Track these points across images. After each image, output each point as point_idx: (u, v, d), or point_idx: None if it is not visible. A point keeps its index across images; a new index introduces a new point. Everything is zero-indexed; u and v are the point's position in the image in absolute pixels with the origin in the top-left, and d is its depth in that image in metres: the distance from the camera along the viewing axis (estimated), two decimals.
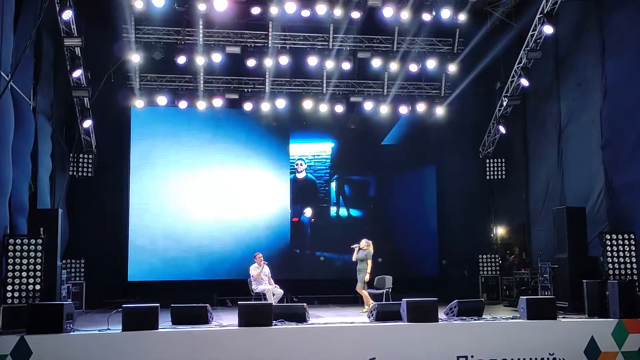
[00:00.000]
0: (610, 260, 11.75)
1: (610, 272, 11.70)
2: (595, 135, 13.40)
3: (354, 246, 13.68)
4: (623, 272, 11.72)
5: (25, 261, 10.03)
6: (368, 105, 17.64)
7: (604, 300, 11.04)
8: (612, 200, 12.90)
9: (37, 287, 10.04)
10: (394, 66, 17.19)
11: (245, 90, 17.31)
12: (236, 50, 16.50)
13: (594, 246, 12.89)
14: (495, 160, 17.88)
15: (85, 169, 16.03)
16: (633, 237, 11.89)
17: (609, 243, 11.82)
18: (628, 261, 11.79)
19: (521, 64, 15.96)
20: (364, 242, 13.64)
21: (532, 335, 10.09)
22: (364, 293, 13.51)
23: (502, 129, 17.21)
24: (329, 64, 16.97)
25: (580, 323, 10.54)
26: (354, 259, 13.64)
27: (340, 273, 17.02)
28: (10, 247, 9.98)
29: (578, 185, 14.20)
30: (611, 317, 10.59)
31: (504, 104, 16.87)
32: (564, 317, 10.98)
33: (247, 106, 17.10)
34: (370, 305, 13.08)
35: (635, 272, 11.79)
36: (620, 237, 11.84)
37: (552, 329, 10.22)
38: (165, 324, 9.80)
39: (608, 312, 10.81)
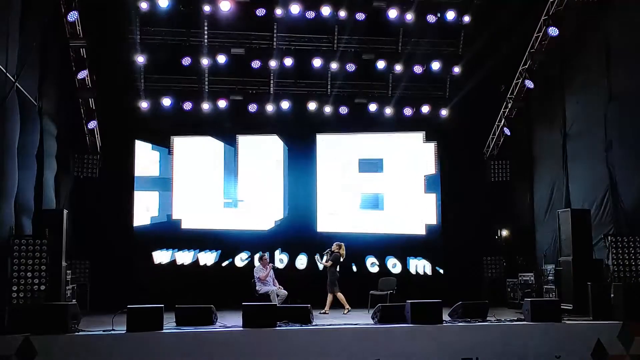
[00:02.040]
0: (615, 263, 11.70)
1: (615, 274, 11.65)
2: (600, 137, 13.38)
3: (325, 252, 13.66)
4: (628, 274, 11.66)
5: (30, 262, 10.03)
6: (372, 107, 17.64)
7: (609, 303, 11.00)
8: (616, 203, 12.87)
9: (42, 287, 10.04)
10: (398, 67, 17.19)
11: (250, 91, 17.32)
12: (241, 51, 16.56)
13: (598, 249, 12.87)
14: (500, 162, 17.86)
15: (89, 170, 16.06)
16: (638, 239, 11.83)
17: (614, 245, 11.77)
18: (633, 264, 11.73)
19: (526, 66, 15.95)
20: (335, 245, 13.65)
21: (536, 338, 10.08)
22: (339, 296, 13.53)
23: (507, 131, 17.19)
24: (334, 66, 16.98)
25: (586, 326, 10.51)
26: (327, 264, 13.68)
27: (344, 275, 17.07)
28: (16, 248, 10.00)
29: (583, 187, 14.17)
30: (616, 320, 10.54)
31: (509, 105, 16.87)
32: (568, 320, 10.94)
33: (252, 107, 17.11)
34: (328, 309, 13.37)
35: None
36: (625, 240, 11.79)
37: (557, 331, 10.20)
38: (169, 324, 9.81)
39: (613, 314, 10.77)
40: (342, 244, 13.77)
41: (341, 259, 13.66)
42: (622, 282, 11.39)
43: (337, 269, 13.62)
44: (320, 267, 13.64)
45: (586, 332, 10.21)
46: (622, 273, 11.66)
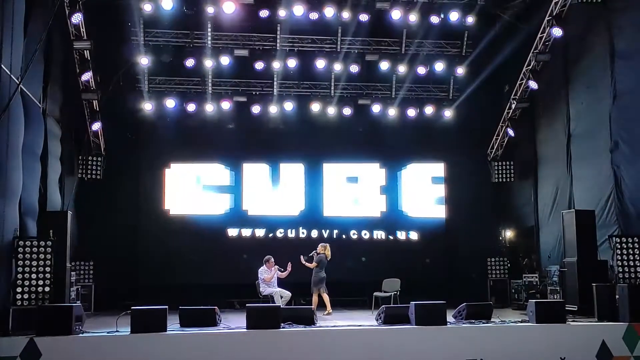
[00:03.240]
0: (620, 264, 11.65)
1: (620, 275, 11.60)
2: (605, 137, 13.34)
3: (311, 254, 13.59)
4: (633, 275, 11.61)
5: (34, 263, 10.05)
6: (376, 108, 17.64)
7: (613, 304, 10.97)
8: (621, 203, 12.84)
9: (47, 289, 10.06)
10: (402, 69, 17.20)
11: (253, 92, 17.38)
12: (244, 53, 16.59)
13: (603, 249, 12.81)
14: (504, 163, 17.84)
15: (94, 172, 16.09)
16: None
17: (619, 246, 11.72)
18: (638, 264, 11.68)
19: (530, 67, 15.92)
20: (320, 247, 13.57)
21: (541, 339, 10.05)
22: (317, 298, 13.49)
23: (511, 132, 17.17)
24: (337, 67, 17.01)
25: (590, 327, 10.48)
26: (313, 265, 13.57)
27: (349, 276, 17.11)
28: (20, 250, 10.01)
29: (587, 188, 14.13)
30: (621, 321, 10.51)
31: (513, 106, 16.84)
32: (573, 321, 10.92)
33: (255, 109, 17.15)
34: (330, 309, 13.44)
35: None
36: (630, 241, 11.74)
37: (562, 332, 10.18)
38: (173, 326, 9.81)
39: (618, 316, 10.74)
40: (327, 245, 13.71)
41: (327, 260, 13.58)
42: (627, 283, 11.34)
43: (323, 270, 13.54)
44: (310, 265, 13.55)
45: (591, 334, 10.18)
46: (627, 274, 11.60)
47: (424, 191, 16.61)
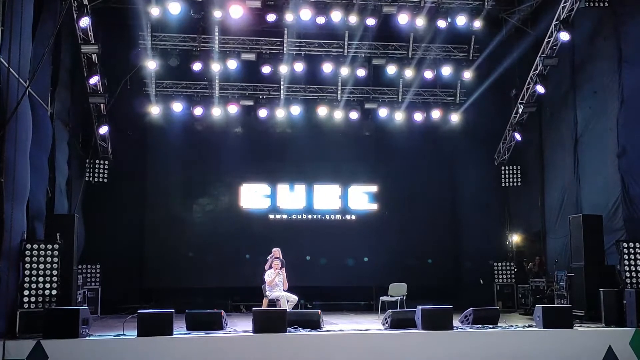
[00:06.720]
0: (628, 269, 11.58)
1: (628, 280, 11.53)
2: (612, 142, 13.30)
3: (269, 256, 13.44)
4: None
5: (42, 266, 10.09)
6: (383, 112, 17.65)
7: (621, 309, 10.91)
8: (629, 208, 12.79)
9: (54, 292, 10.09)
10: (409, 73, 17.19)
11: (260, 96, 17.42)
12: (251, 57, 16.60)
13: (610, 254, 12.76)
14: (511, 167, 17.80)
15: (101, 175, 16.15)
16: None
17: (626, 251, 11.66)
18: None
19: (537, 71, 15.87)
20: (275, 251, 13.52)
21: (548, 344, 10.01)
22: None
23: (518, 136, 17.13)
24: (344, 71, 17.03)
25: (597, 332, 10.44)
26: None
27: (355, 280, 17.13)
28: (28, 253, 10.05)
29: (594, 193, 14.09)
30: (628, 327, 10.47)
31: (520, 111, 16.79)
32: (580, 326, 10.88)
33: (262, 113, 17.20)
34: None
35: None
36: (638, 246, 11.68)
37: (569, 337, 10.14)
38: (179, 329, 9.83)
39: (625, 321, 10.69)
40: (278, 248, 13.67)
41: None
42: (635, 288, 11.27)
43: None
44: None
45: (598, 339, 10.13)
46: (635, 279, 11.53)
47: (357, 197, 18.42)
